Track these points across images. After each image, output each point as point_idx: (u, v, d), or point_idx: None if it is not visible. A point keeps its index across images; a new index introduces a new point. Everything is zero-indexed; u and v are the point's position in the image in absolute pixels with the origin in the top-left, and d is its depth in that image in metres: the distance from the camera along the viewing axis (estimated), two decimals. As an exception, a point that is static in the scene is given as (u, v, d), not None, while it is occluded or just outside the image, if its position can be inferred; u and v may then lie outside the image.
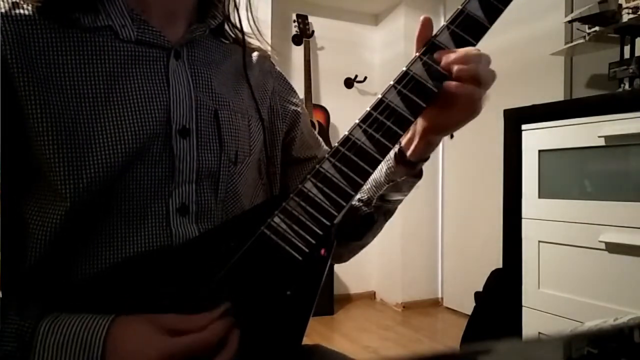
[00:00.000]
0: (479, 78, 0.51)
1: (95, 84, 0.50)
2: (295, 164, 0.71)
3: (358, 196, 0.67)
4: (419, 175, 0.64)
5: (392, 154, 0.62)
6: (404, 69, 0.52)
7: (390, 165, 0.62)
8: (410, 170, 0.62)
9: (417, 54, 0.53)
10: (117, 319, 0.43)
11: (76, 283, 0.48)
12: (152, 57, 0.54)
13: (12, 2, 0.49)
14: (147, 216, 0.51)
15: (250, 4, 0.66)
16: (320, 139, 0.77)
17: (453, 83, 0.51)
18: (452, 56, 0.51)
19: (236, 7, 0.66)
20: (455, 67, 0.50)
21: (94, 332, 0.42)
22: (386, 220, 0.70)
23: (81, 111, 0.48)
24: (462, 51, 0.51)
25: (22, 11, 0.49)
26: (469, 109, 0.53)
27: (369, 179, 0.53)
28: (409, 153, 0.60)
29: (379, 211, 0.67)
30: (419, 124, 0.58)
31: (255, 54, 0.70)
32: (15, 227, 0.49)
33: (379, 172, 0.64)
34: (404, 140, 0.61)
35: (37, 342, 0.41)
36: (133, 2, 0.54)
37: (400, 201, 0.67)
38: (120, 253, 0.50)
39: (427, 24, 0.54)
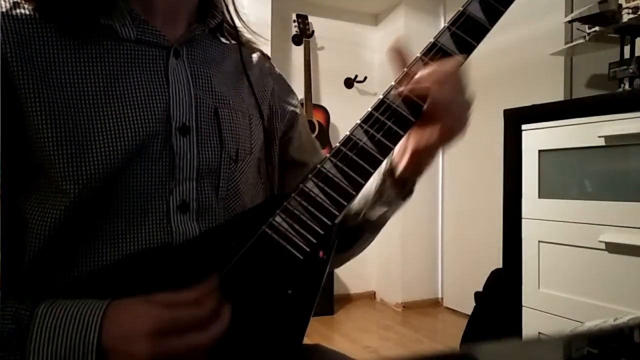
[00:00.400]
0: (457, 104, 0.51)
1: (95, 82, 0.50)
2: (291, 166, 0.71)
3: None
4: (409, 194, 0.62)
5: (382, 169, 0.60)
6: (405, 69, 0.53)
7: (378, 184, 0.61)
8: (400, 191, 0.60)
9: (418, 54, 0.53)
10: (114, 301, 0.43)
11: (75, 279, 0.48)
12: (151, 56, 0.54)
13: (13, 2, 0.50)
14: (147, 213, 0.51)
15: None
16: (318, 145, 0.77)
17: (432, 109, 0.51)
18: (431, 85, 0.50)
19: (230, 5, 0.66)
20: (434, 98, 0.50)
21: (91, 313, 0.42)
22: (374, 234, 0.68)
23: (81, 109, 0.49)
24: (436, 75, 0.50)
25: (22, 11, 0.49)
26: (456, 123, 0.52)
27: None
28: (397, 173, 0.59)
29: (367, 224, 0.65)
30: (409, 143, 0.56)
31: (255, 55, 0.70)
32: (15, 224, 0.49)
33: (369, 187, 0.63)
34: (395, 159, 0.59)
35: (34, 324, 0.42)
36: (135, 2, 0.54)
37: (388, 217, 0.65)
38: (120, 250, 0.50)
39: (398, 48, 0.53)
